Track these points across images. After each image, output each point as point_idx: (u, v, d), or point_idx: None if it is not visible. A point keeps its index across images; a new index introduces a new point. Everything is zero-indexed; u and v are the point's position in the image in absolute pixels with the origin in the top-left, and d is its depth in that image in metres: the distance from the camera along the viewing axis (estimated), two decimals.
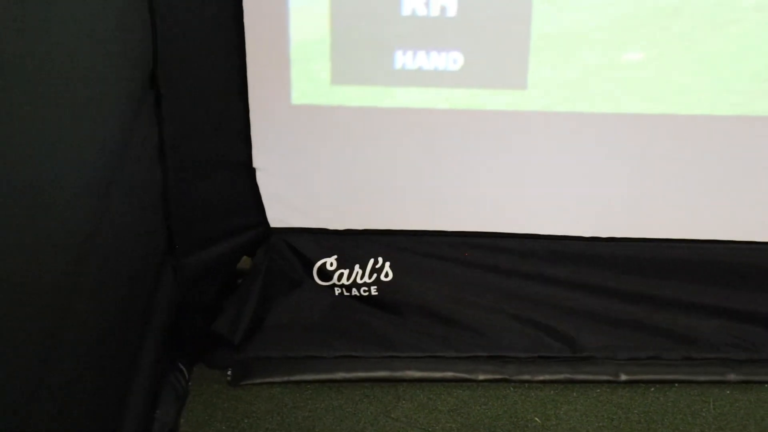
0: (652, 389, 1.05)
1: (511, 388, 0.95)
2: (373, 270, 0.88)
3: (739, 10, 0.79)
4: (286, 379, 0.95)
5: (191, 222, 0.86)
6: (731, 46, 0.81)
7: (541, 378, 0.95)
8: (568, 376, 1.00)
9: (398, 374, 0.93)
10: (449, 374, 0.93)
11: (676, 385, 1.06)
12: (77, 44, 0.68)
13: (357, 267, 0.88)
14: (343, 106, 0.82)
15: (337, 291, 0.89)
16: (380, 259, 0.89)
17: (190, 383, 0.90)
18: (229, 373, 0.98)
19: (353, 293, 0.91)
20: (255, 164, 0.86)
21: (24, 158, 0.56)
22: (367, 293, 0.91)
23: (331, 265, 0.88)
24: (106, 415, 0.75)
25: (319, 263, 0.89)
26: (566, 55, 0.80)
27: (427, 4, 0.75)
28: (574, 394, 1.00)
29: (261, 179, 0.86)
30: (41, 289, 0.59)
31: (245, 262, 0.94)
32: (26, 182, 0.54)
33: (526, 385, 0.95)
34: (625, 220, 0.94)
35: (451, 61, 0.76)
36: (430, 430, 0.87)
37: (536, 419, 0.92)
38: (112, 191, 0.70)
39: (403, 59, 0.76)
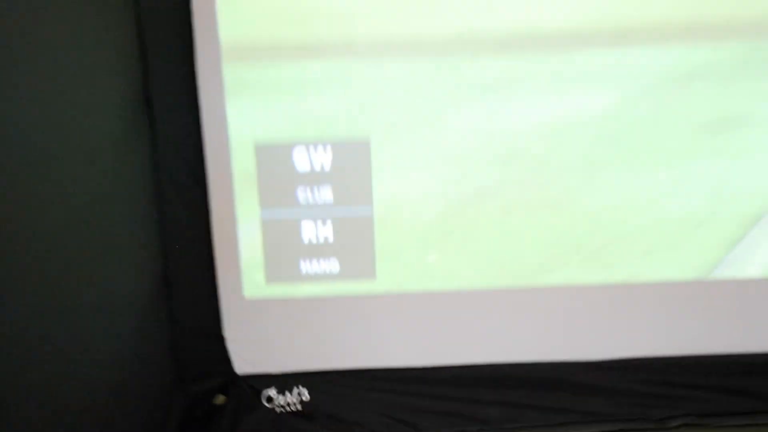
0: None
1: None
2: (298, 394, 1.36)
3: None
4: None
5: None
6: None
7: None
8: None
9: None
10: None
11: None
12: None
13: (287, 393, 1.35)
14: (274, 298, 1.30)
15: (278, 410, 1.35)
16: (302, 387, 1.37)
17: None
18: None
19: (287, 410, 1.36)
20: (225, 334, 1.36)
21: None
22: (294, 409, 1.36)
23: (274, 392, 1.36)
24: None
25: (265, 392, 1.36)
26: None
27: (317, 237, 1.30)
28: None
29: (229, 345, 1.36)
30: None
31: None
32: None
33: None
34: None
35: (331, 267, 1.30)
36: None
37: None
38: None
39: (307, 267, 1.30)
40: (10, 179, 0.80)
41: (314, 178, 1.21)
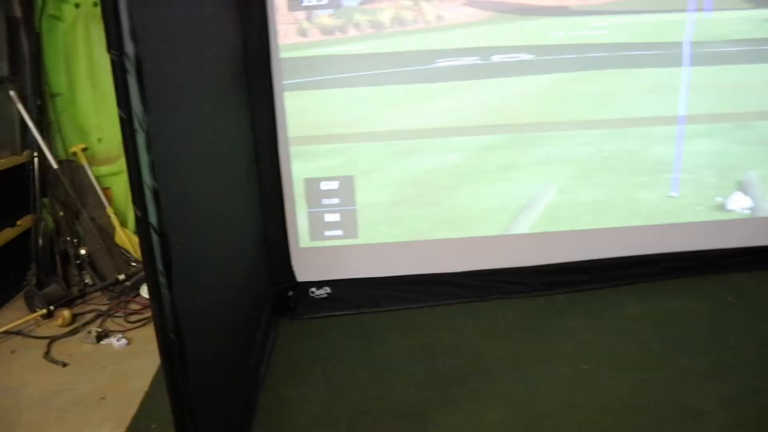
0: None
1: None
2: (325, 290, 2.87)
3: None
4: None
5: None
6: None
7: None
8: None
9: None
10: None
11: None
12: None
13: (321, 288, 2.87)
14: (313, 247, 2.85)
15: (317, 297, 2.88)
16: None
17: None
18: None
19: (321, 297, 2.87)
20: (292, 263, 2.87)
21: None
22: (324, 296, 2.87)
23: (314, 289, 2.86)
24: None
25: (311, 289, 2.86)
26: None
27: (332, 220, 2.82)
28: None
29: (294, 267, 2.88)
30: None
31: None
32: None
33: None
34: None
35: None
36: None
37: None
38: None
39: (328, 233, 2.83)
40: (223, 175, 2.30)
41: (329, 194, 2.70)
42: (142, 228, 1.19)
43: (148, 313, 2.67)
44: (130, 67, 1.12)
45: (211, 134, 1.81)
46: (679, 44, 2.55)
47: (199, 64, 1.75)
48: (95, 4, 3.11)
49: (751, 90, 2.65)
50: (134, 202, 1.17)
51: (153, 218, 1.18)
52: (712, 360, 2.14)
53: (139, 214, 1.18)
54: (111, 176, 3.29)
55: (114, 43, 1.10)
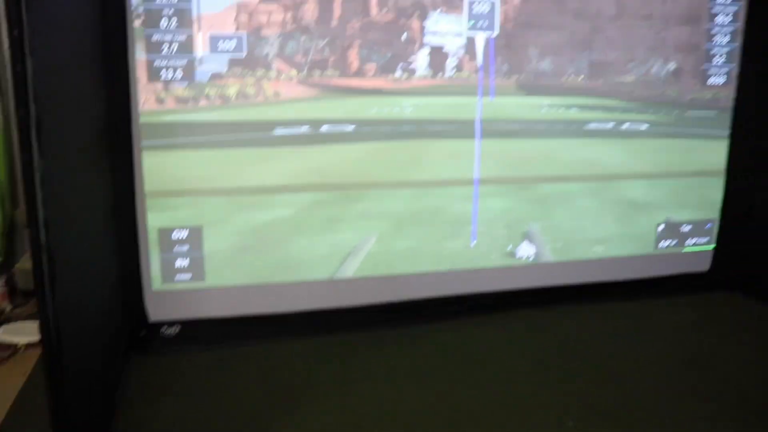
0: None
1: None
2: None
3: None
4: None
5: None
6: None
7: None
8: None
9: None
10: None
11: None
12: None
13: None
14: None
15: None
16: None
17: None
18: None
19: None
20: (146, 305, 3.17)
21: None
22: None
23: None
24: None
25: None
26: None
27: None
28: None
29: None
30: None
31: None
32: None
33: None
34: None
35: None
36: None
37: None
38: None
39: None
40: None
41: (180, 242, 3.06)
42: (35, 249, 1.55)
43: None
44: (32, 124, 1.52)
45: (80, 184, 2.17)
46: (471, 121, 3.19)
47: (73, 125, 2.12)
48: None
49: (530, 158, 3.34)
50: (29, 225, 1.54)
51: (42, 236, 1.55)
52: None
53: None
54: None
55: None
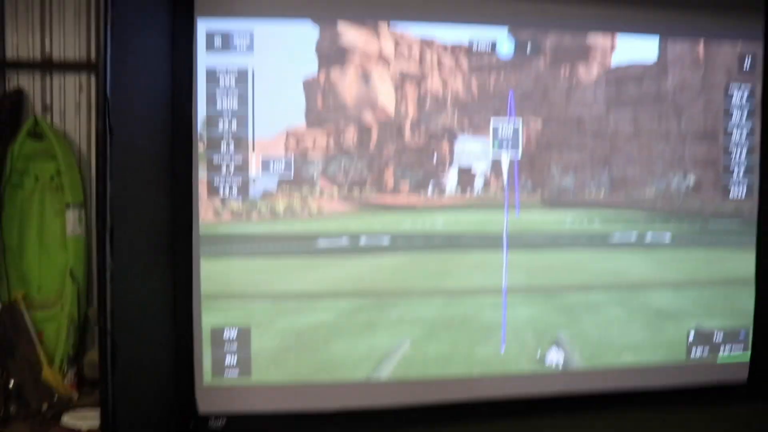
0: None
1: None
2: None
3: None
4: None
5: None
6: None
7: None
8: None
9: None
10: None
11: None
12: None
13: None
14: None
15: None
16: None
17: None
18: None
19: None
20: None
21: None
22: None
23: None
24: None
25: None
26: None
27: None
28: None
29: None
30: None
31: None
32: None
33: None
34: None
35: None
36: None
37: None
38: None
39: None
40: None
41: (230, 341, 3.37)
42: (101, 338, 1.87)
43: None
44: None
45: (144, 285, 2.53)
46: (499, 235, 3.45)
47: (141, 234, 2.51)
48: (52, 178, 3.84)
49: (556, 269, 3.56)
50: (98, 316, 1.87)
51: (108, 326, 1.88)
52: None
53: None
54: (44, 321, 3.84)
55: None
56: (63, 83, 3.79)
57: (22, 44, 3.76)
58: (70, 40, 3.77)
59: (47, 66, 3.76)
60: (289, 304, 3.33)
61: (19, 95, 3.79)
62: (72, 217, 3.76)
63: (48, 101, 3.78)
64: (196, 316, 3.25)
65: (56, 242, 3.80)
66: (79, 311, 3.75)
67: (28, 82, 3.78)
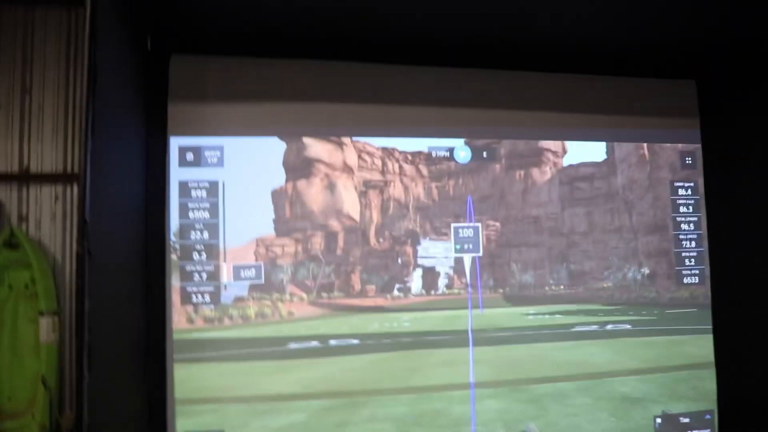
0: None
1: None
2: None
3: None
4: None
5: None
6: None
7: None
8: None
9: None
10: None
11: None
12: None
13: None
14: None
15: None
16: None
17: None
18: None
19: None
20: None
21: None
22: None
23: None
24: None
25: None
26: None
27: None
28: None
29: None
30: None
31: None
32: None
33: None
34: None
35: None
36: None
37: None
38: None
39: None
40: None
41: None
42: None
43: None
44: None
45: (119, 392, 2.59)
46: (464, 331, 3.58)
47: (116, 344, 2.59)
48: (26, 286, 3.92)
49: (521, 361, 3.67)
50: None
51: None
52: None
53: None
54: (15, 431, 3.83)
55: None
56: (39, 194, 3.91)
57: (0, 157, 3.89)
58: (48, 153, 3.92)
59: (25, 178, 3.89)
60: (262, 406, 3.38)
61: None
62: (45, 324, 3.82)
63: (24, 211, 3.89)
64: (171, 422, 3.29)
65: (29, 349, 3.83)
66: (51, 420, 3.75)
67: (5, 194, 3.89)
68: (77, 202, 2.29)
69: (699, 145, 4.00)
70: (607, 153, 3.87)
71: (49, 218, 3.91)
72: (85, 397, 2.35)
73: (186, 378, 3.30)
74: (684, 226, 3.96)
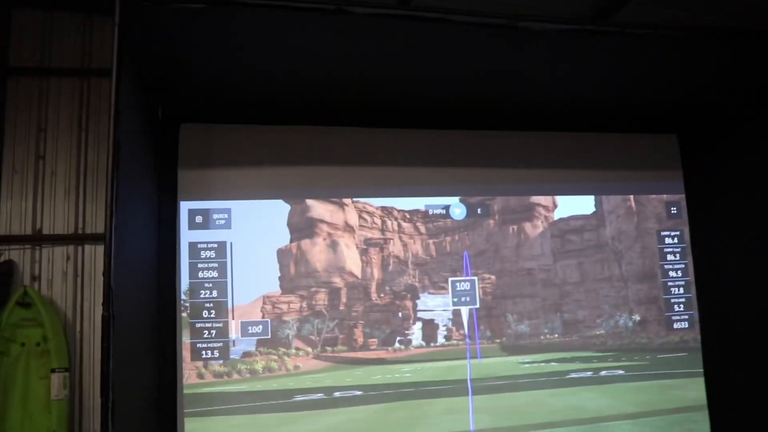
0: None
1: None
2: None
3: None
4: None
5: None
6: None
7: None
8: None
9: None
10: None
11: None
12: None
13: None
14: None
15: None
16: None
17: None
18: None
19: None
20: None
21: None
22: None
23: None
24: None
25: None
26: None
27: None
28: None
29: None
30: None
31: None
32: None
33: None
34: None
35: None
36: None
37: None
38: None
39: None
40: None
41: None
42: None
43: None
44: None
45: None
46: (463, 380, 3.72)
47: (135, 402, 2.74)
48: (38, 344, 4.05)
49: (519, 408, 3.80)
50: None
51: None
52: None
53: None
54: None
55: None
56: (52, 254, 4.08)
57: (15, 220, 4.06)
58: (60, 215, 4.09)
59: (38, 239, 4.06)
60: None
61: (9, 266, 4.05)
62: (57, 381, 3.94)
63: (37, 271, 4.05)
64: None
65: (40, 406, 3.95)
66: None
67: (18, 255, 4.05)
68: (103, 267, 2.42)
69: (683, 195, 4.18)
70: (595, 206, 4.06)
71: (60, 277, 4.08)
72: None
73: (196, 431, 3.42)
74: (672, 273, 4.13)
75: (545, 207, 3.95)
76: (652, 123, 4.14)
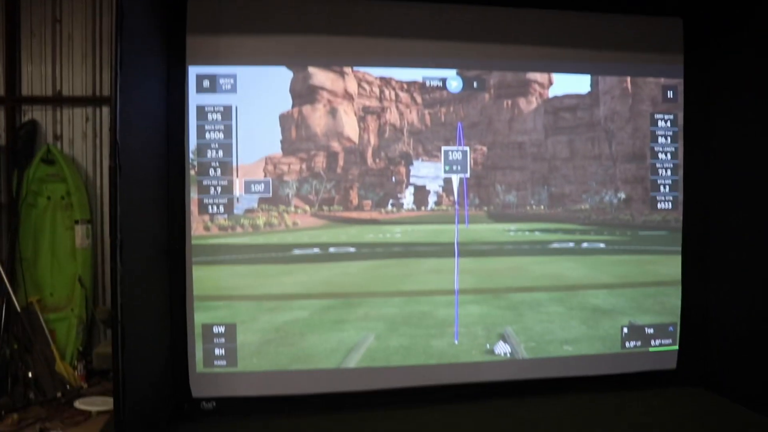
0: None
1: None
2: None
3: None
4: None
5: None
6: None
7: None
8: None
9: None
10: None
11: None
12: None
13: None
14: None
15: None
16: None
17: None
18: None
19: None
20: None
21: None
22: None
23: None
24: None
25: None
26: None
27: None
28: None
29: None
30: None
31: None
32: None
33: None
34: None
35: None
36: None
37: None
38: None
39: None
40: None
41: (218, 335, 3.90)
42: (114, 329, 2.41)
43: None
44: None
45: (146, 287, 3.07)
46: (450, 243, 4.00)
47: (144, 246, 3.05)
48: (62, 198, 4.37)
49: (501, 272, 4.10)
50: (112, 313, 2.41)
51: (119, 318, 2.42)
52: None
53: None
54: (57, 321, 4.35)
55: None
56: (72, 115, 4.33)
57: (35, 82, 4.29)
58: (78, 78, 4.30)
59: (58, 100, 4.30)
60: (270, 303, 3.86)
61: (33, 126, 4.32)
62: (80, 231, 4.29)
63: (59, 131, 4.32)
64: (189, 315, 3.78)
65: (67, 253, 4.31)
66: (87, 313, 4.28)
67: (41, 115, 4.31)
68: (109, 124, 2.63)
69: (681, 80, 4.24)
70: (591, 86, 4.16)
71: (81, 137, 4.34)
72: (118, 287, 2.79)
73: (203, 278, 3.78)
74: (661, 156, 4.28)
75: (541, 84, 4.07)
76: (659, 4, 4.12)
